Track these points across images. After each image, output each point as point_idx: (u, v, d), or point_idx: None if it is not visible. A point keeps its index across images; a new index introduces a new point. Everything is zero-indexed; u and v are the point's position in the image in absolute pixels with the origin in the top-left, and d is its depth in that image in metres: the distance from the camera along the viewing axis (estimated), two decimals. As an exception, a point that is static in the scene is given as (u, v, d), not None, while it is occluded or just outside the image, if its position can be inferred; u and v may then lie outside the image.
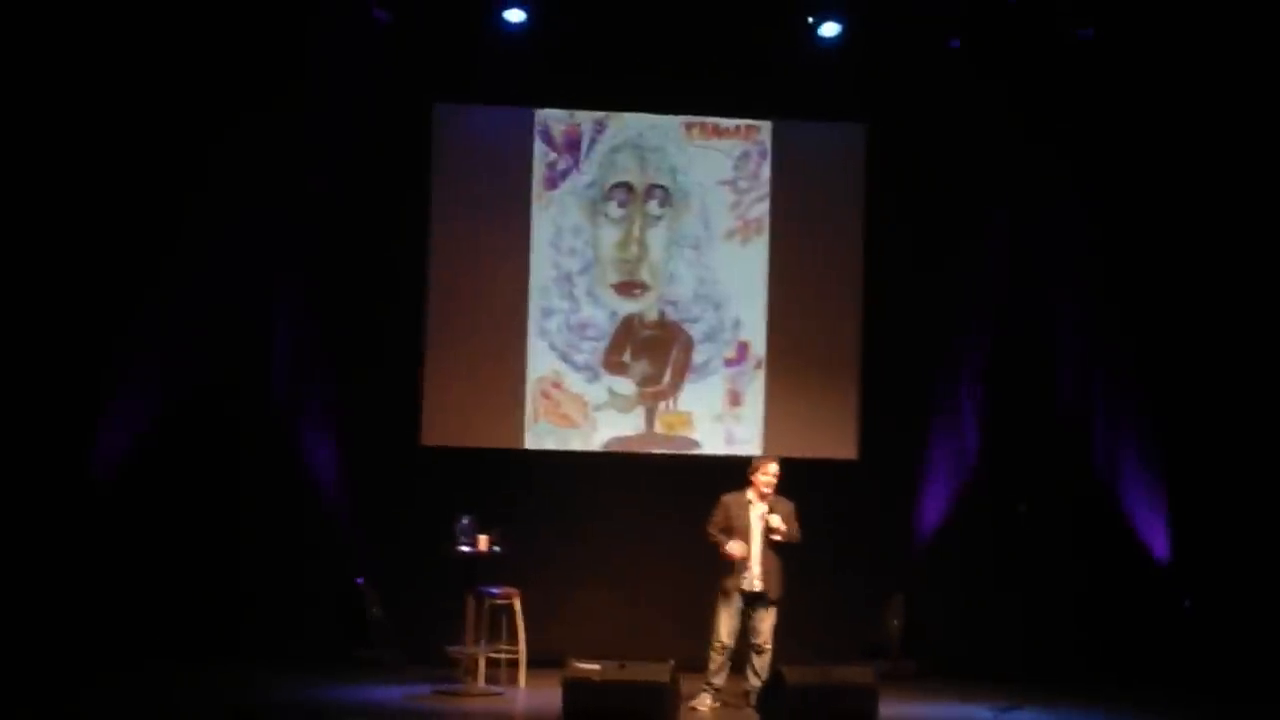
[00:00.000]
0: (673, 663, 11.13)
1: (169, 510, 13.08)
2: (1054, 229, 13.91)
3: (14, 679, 11.65)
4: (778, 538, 11.54)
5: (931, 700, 12.42)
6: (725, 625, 11.62)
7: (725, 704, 11.75)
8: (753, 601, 11.60)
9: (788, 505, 11.70)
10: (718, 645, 11.62)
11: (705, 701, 11.63)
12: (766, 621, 11.60)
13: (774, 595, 11.61)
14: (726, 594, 11.61)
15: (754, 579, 11.56)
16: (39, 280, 12.89)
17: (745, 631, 11.66)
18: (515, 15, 13.29)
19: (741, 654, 11.70)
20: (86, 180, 12.98)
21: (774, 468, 11.69)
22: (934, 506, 13.95)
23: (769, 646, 11.60)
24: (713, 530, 11.61)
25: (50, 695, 11.35)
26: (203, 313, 13.26)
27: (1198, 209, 13.56)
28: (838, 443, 13.88)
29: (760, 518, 11.58)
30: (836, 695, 10.75)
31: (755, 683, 11.55)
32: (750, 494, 11.65)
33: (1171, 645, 13.24)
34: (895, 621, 13.54)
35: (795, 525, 11.63)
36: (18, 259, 12.84)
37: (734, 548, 11.47)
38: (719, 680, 11.68)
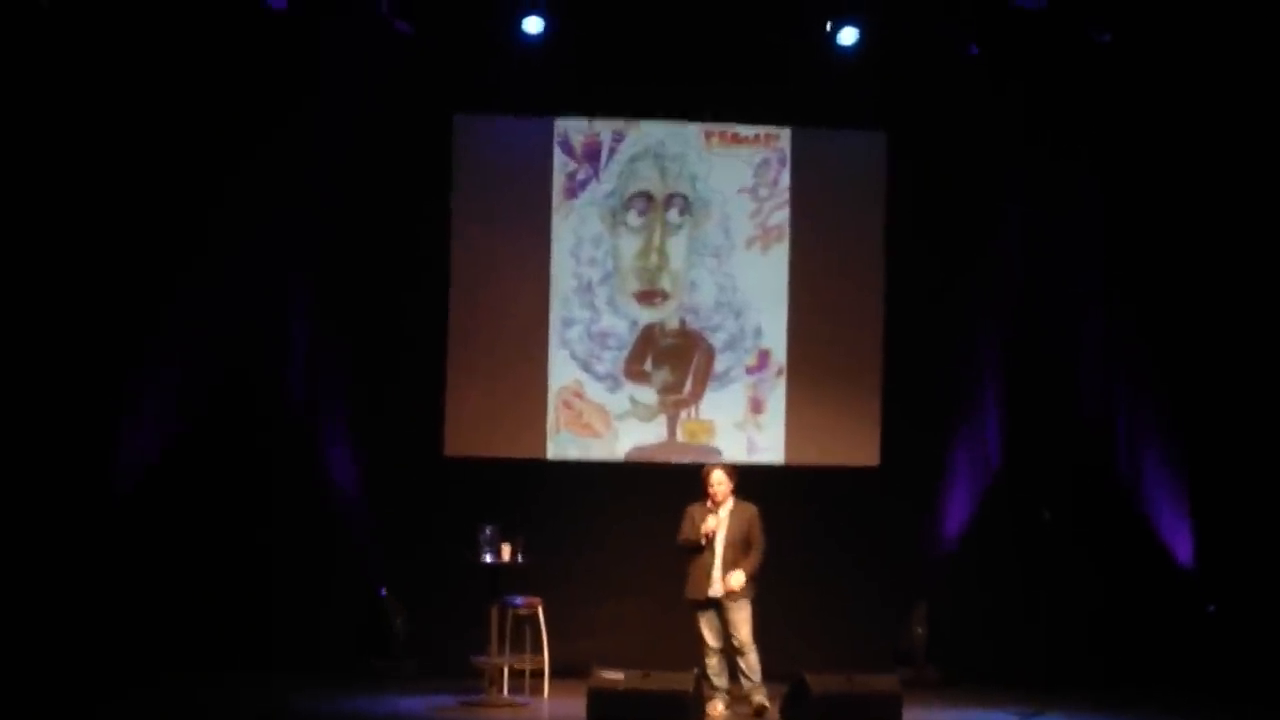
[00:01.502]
0: (696, 671, 11.19)
1: (191, 522, 13.10)
2: (1074, 233, 13.89)
3: (36, 690, 11.68)
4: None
5: (955, 707, 12.39)
6: (707, 631, 11.68)
7: (733, 707, 11.73)
8: (722, 606, 11.61)
9: (750, 509, 11.75)
10: (707, 650, 11.68)
11: (717, 707, 11.66)
12: (742, 627, 11.58)
13: (739, 597, 11.60)
14: (693, 603, 11.69)
15: (716, 583, 11.59)
16: (57, 292, 12.93)
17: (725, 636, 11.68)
18: (534, 25, 13.27)
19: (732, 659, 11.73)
20: (108, 191, 13.02)
21: (717, 474, 11.74)
22: (957, 513, 13.93)
23: (749, 647, 11.57)
24: (679, 537, 11.73)
25: (72, 706, 11.40)
26: (223, 325, 13.29)
27: (1216, 212, 13.54)
28: (860, 450, 13.87)
29: (724, 554, 11.63)
30: (860, 703, 10.77)
31: (747, 684, 11.60)
32: (709, 503, 11.71)
33: (1196, 650, 13.21)
34: (919, 629, 13.51)
35: (757, 534, 11.67)
36: (35, 271, 12.88)
37: (708, 523, 11.56)
38: (721, 682, 11.72)
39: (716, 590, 11.59)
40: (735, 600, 11.57)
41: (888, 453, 13.86)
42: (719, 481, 11.71)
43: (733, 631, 11.59)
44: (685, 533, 11.71)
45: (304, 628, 13.17)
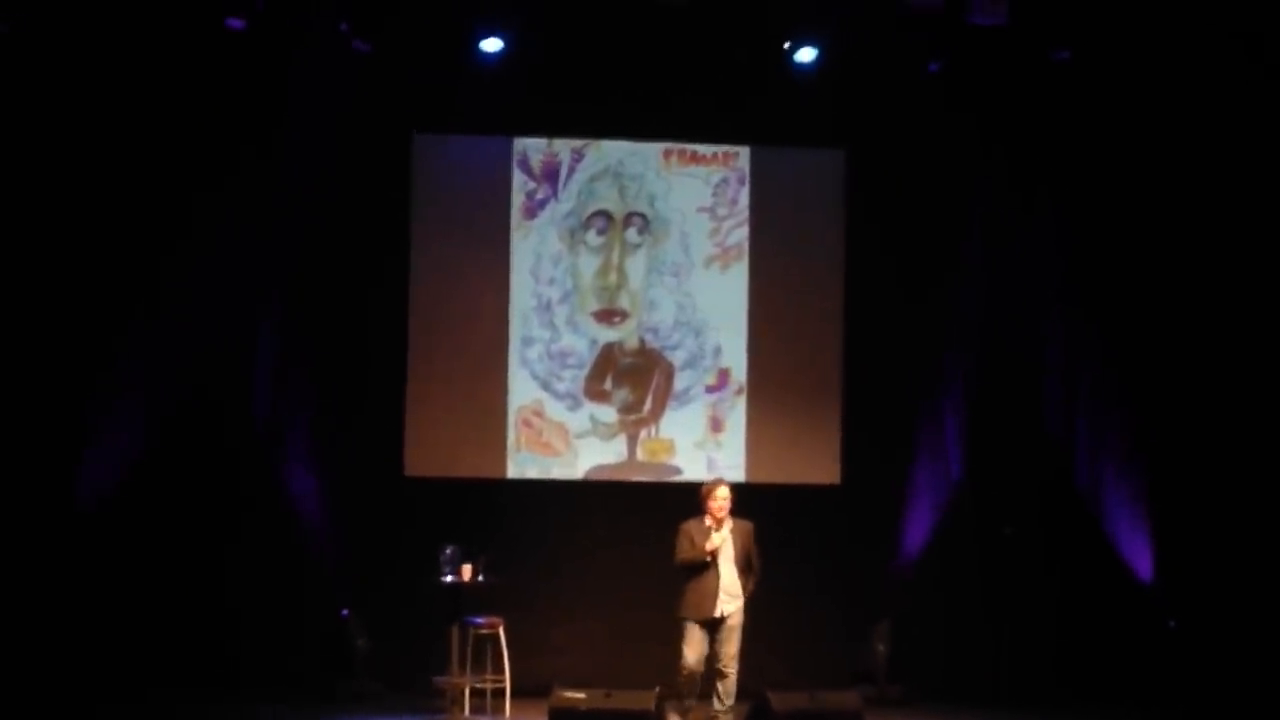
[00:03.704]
0: (658, 690, 11.16)
1: (152, 543, 13.01)
2: (1034, 250, 13.93)
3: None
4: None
5: (918, 725, 12.43)
6: (693, 652, 11.44)
7: None
8: (717, 625, 11.49)
9: (747, 525, 11.62)
10: (685, 672, 11.46)
11: None
12: (731, 646, 11.48)
13: (738, 619, 11.52)
14: (689, 620, 11.47)
15: (720, 604, 11.44)
16: (22, 310, 12.88)
17: (709, 655, 11.56)
18: (492, 44, 13.27)
19: (707, 679, 11.60)
20: (72, 211, 12.95)
21: (723, 491, 11.55)
22: (918, 531, 13.93)
23: (732, 670, 11.48)
24: (681, 556, 11.50)
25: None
26: (185, 345, 13.22)
27: (1177, 228, 13.58)
28: (820, 468, 13.87)
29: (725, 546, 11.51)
30: (822, 720, 10.77)
31: (719, 707, 11.49)
32: (707, 520, 11.54)
33: (1157, 666, 13.23)
34: (881, 647, 13.47)
35: (756, 552, 11.58)
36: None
37: (713, 540, 11.38)
38: (689, 702, 11.55)
39: (721, 610, 11.44)
40: (733, 620, 11.45)
41: (849, 470, 13.86)
42: (724, 497, 11.48)
43: (721, 651, 11.42)
44: (685, 551, 11.47)
45: (267, 648, 13.08)
